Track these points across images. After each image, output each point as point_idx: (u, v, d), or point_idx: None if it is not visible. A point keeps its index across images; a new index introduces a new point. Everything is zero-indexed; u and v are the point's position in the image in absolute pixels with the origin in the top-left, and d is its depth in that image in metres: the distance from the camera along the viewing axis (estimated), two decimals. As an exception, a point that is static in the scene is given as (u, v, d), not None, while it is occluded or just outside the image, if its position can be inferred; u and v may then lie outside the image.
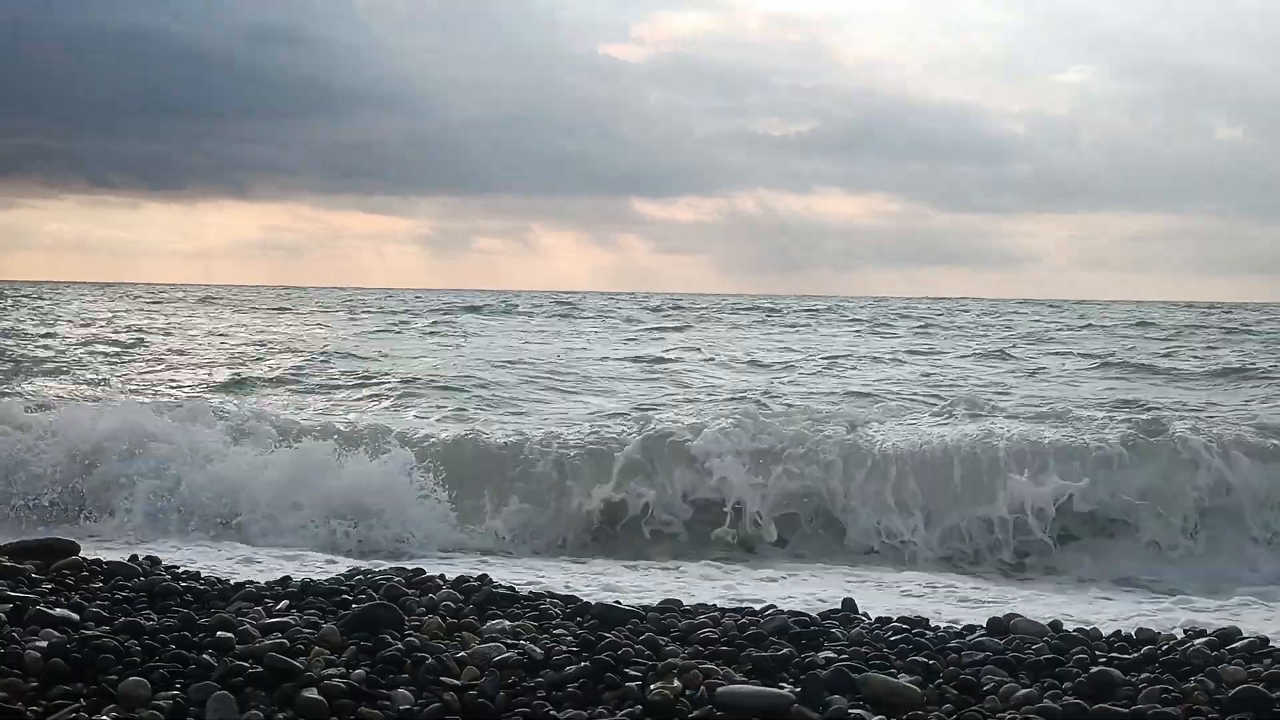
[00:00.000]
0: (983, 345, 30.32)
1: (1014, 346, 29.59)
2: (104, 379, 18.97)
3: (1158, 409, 15.12)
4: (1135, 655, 5.89)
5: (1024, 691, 5.15)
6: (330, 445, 11.02)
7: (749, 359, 25.25)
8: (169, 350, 25.32)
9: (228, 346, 26.66)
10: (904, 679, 5.28)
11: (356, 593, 6.66)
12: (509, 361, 22.47)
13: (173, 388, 18.06)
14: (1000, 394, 18.15)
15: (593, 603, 6.68)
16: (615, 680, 5.07)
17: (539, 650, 5.44)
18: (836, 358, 25.33)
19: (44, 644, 5.20)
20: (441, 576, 7.34)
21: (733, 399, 16.51)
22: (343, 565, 8.66)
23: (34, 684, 4.83)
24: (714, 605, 7.00)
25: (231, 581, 7.19)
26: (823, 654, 5.66)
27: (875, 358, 26.15)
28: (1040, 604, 8.16)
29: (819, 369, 22.89)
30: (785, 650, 5.65)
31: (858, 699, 5.01)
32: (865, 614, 6.88)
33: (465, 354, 25.43)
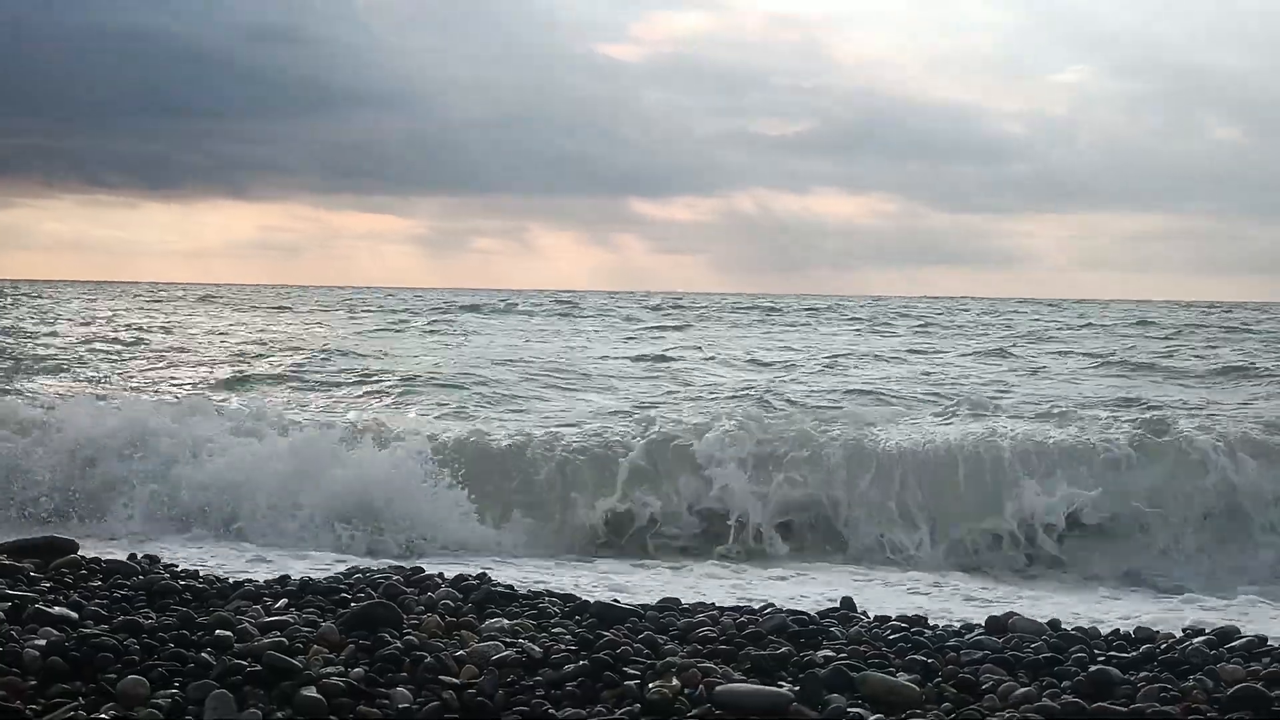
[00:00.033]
0: (983, 344, 30.32)
1: (1015, 345, 29.59)
2: (106, 377, 18.97)
3: (1161, 408, 15.06)
4: (1134, 654, 5.89)
5: (1022, 690, 5.15)
6: (337, 444, 10.99)
7: (750, 357, 25.24)
8: (170, 348, 25.31)
9: (228, 345, 26.66)
10: (902, 677, 5.28)
11: (355, 591, 6.67)
12: (510, 360, 22.47)
13: (175, 386, 18.05)
14: (1003, 393, 18.14)
15: (591, 601, 6.68)
16: (614, 679, 5.07)
17: (538, 649, 5.44)
18: (837, 357, 25.31)
19: (43, 642, 5.20)
20: (440, 575, 7.35)
21: (735, 397, 16.48)
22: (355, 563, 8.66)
23: (32, 682, 4.83)
24: (713, 604, 7.00)
25: (230, 580, 7.19)
26: (821, 653, 5.66)
27: (877, 355, 26.16)
28: (1048, 603, 8.16)
29: (820, 368, 22.87)
30: (784, 649, 5.65)
31: (856, 697, 5.01)
32: (864, 613, 6.89)
33: (466, 352, 25.45)
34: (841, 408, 16.48)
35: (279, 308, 51.67)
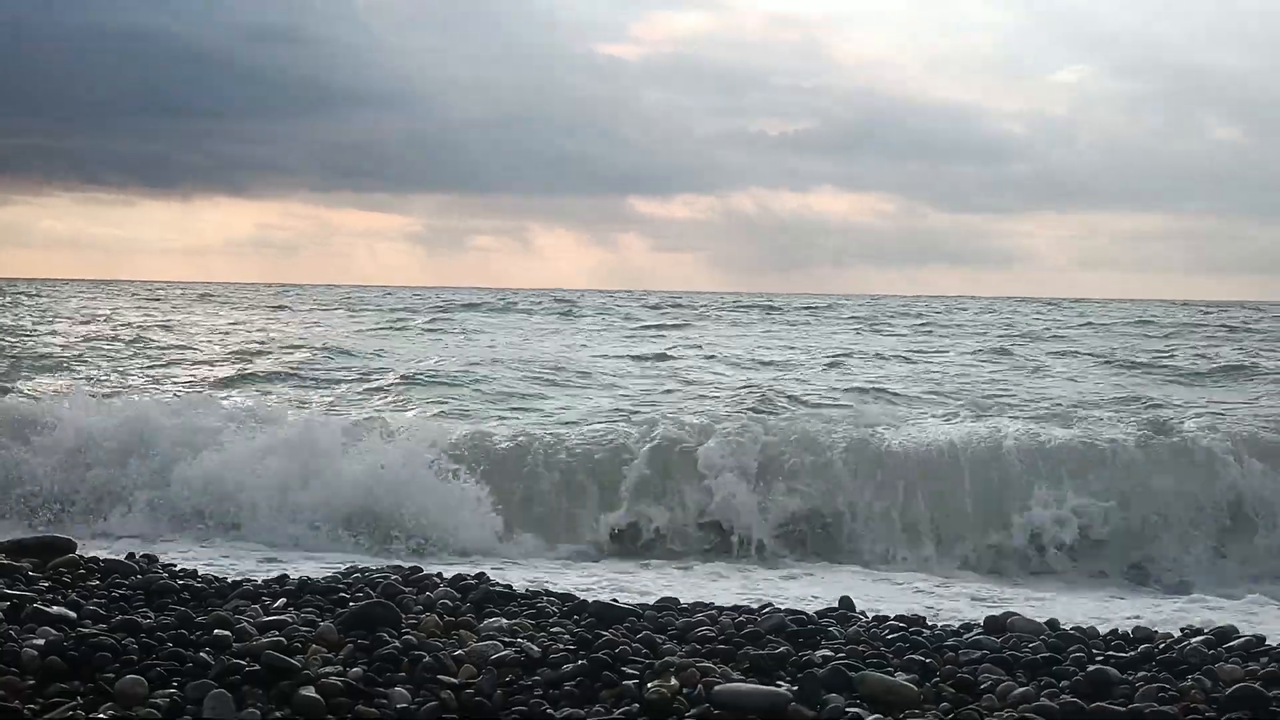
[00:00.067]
0: (984, 343, 30.35)
1: (1016, 345, 29.61)
2: (108, 376, 18.97)
3: (1167, 408, 15.05)
4: (1132, 654, 5.89)
5: (1021, 690, 5.15)
6: (350, 444, 10.93)
7: (751, 356, 25.26)
8: (172, 347, 25.31)
9: (229, 343, 26.65)
10: (901, 677, 5.28)
11: (354, 591, 6.66)
12: (511, 359, 22.50)
13: (176, 384, 18.04)
14: (1006, 392, 18.16)
15: (589, 601, 6.68)
16: (612, 678, 5.07)
17: (536, 648, 5.44)
18: (838, 356, 25.32)
19: (41, 642, 5.20)
20: (438, 575, 7.35)
21: (738, 396, 16.45)
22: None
23: (31, 682, 4.82)
24: (711, 603, 7.00)
25: (229, 579, 7.18)
26: (820, 652, 5.66)
27: (879, 355, 26.17)
28: (1059, 604, 8.14)
29: (822, 367, 22.87)
30: (782, 648, 5.65)
31: (855, 697, 5.01)
32: (862, 613, 6.88)
33: (467, 351, 25.45)
34: (847, 406, 16.50)
35: (277, 306, 51.64)
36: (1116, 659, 5.76)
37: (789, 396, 16.69)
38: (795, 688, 5.05)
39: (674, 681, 5.03)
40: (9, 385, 16.06)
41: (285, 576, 7.34)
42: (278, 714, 4.64)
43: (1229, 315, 51.49)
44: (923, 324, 41.68)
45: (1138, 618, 7.61)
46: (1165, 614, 7.81)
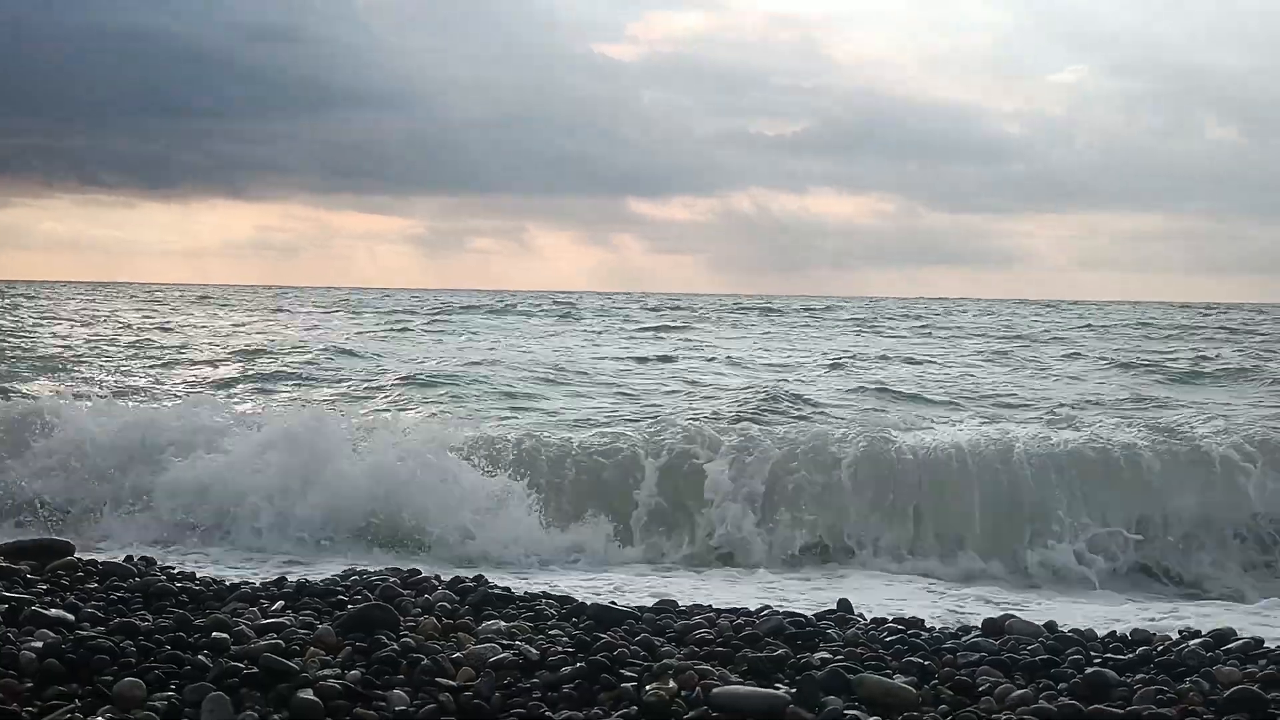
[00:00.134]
0: (985, 345, 30.39)
1: (1017, 347, 29.63)
2: (110, 378, 18.96)
3: (1179, 412, 14.94)
4: (1130, 656, 5.89)
5: (1019, 692, 5.15)
6: (358, 447, 10.82)
7: (754, 358, 25.28)
8: (174, 348, 25.31)
9: (231, 345, 26.66)
10: (899, 680, 5.28)
11: (352, 593, 6.67)
12: (517, 361, 22.53)
13: (181, 385, 18.03)
14: (1013, 395, 18.12)
15: (588, 603, 6.68)
16: (611, 681, 5.07)
17: (534, 651, 5.43)
18: (841, 358, 25.33)
19: (39, 644, 5.20)
20: (437, 577, 7.35)
21: (742, 398, 16.41)
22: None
23: (29, 684, 4.83)
24: (709, 606, 7.00)
25: (227, 582, 7.18)
26: (818, 655, 5.66)
27: (883, 356, 26.18)
28: (1072, 608, 8.11)
29: (824, 369, 22.87)
30: (781, 651, 5.65)
31: (853, 700, 5.01)
32: (860, 614, 6.88)
33: (470, 353, 25.46)
34: (852, 405, 16.51)
35: (277, 308, 51.68)
36: (1115, 661, 5.76)
37: (794, 396, 16.68)
38: (794, 690, 5.05)
39: (672, 684, 5.03)
40: (9, 386, 16.06)
41: (284, 579, 7.34)
42: (276, 717, 4.64)
43: (1229, 317, 51.51)
44: (922, 326, 41.71)
45: (1152, 620, 7.59)
46: (1185, 619, 7.73)
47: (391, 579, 7.09)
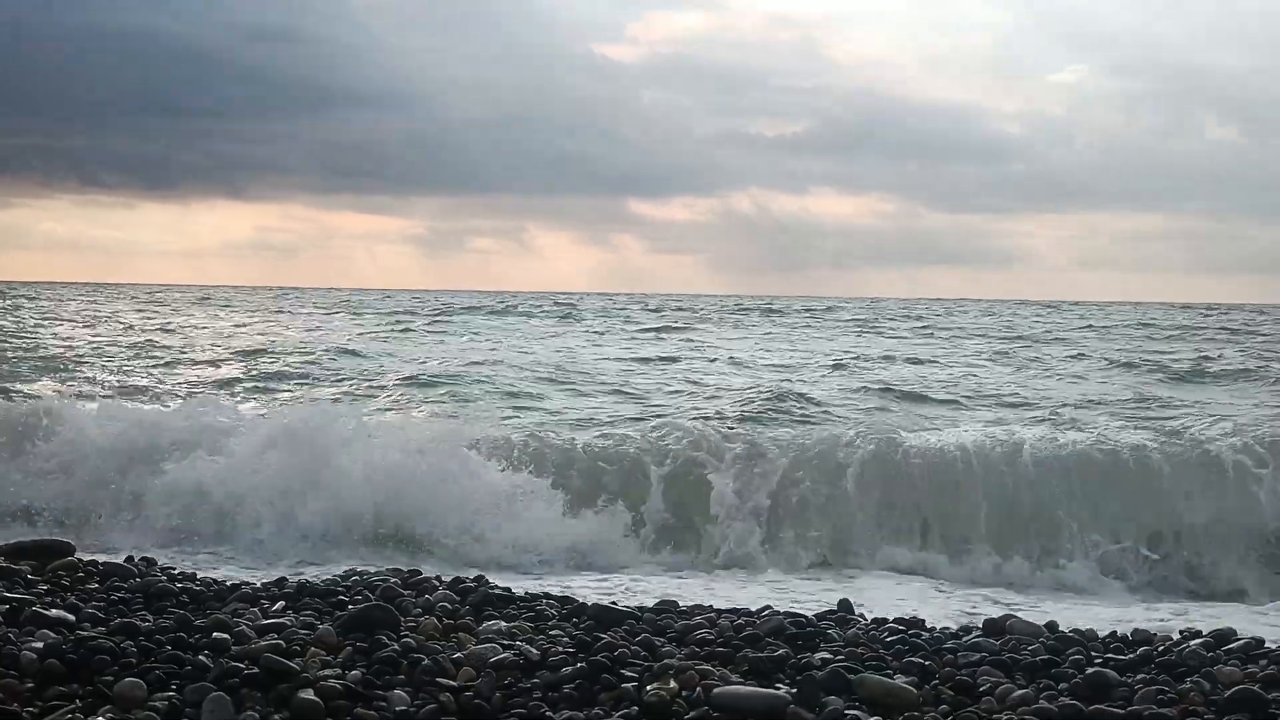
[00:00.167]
0: (989, 345, 30.40)
1: (1023, 347, 29.63)
2: (113, 378, 18.97)
3: (1187, 414, 14.83)
4: (1131, 656, 5.89)
5: (1020, 692, 5.15)
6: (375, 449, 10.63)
7: (756, 359, 25.29)
8: (177, 349, 25.33)
9: (233, 345, 26.67)
10: (900, 680, 5.28)
11: (353, 594, 6.67)
12: (523, 362, 22.54)
13: (184, 386, 18.03)
14: (1015, 395, 18.10)
15: (588, 604, 6.68)
16: (611, 681, 5.07)
17: (535, 651, 5.43)
18: (843, 358, 25.33)
19: (40, 645, 5.20)
20: (438, 577, 7.35)
21: (748, 398, 16.40)
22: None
23: (30, 685, 4.83)
24: (710, 606, 7.00)
25: (228, 583, 7.18)
26: (819, 655, 5.66)
27: (886, 356, 26.18)
28: (1086, 611, 8.06)
29: (827, 369, 22.87)
30: (781, 651, 5.66)
31: (854, 700, 5.01)
32: (861, 615, 6.88)
33: (473, 353, 25.47)
34: (858, 406, 16.47)
35: (278, 309, 51.72)
36: (1115, 661, 5.76)
37: (799, 395, 16.68)
38: (794, 690, 5.05)
39: (673, 684, 5.03)
40: (11, 387, 16.07)
41: (284, 579, 7.34)
42: (276, 717, 4.65)
43: (1229, 317, 51.51)
44: (923, 326, 41.72)
45: (1162, 621, 7.56)
46: (1193, 621, 7.70)
47: (392, 579, 7.09)
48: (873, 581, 9.16)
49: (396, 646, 5.44)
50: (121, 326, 34.04)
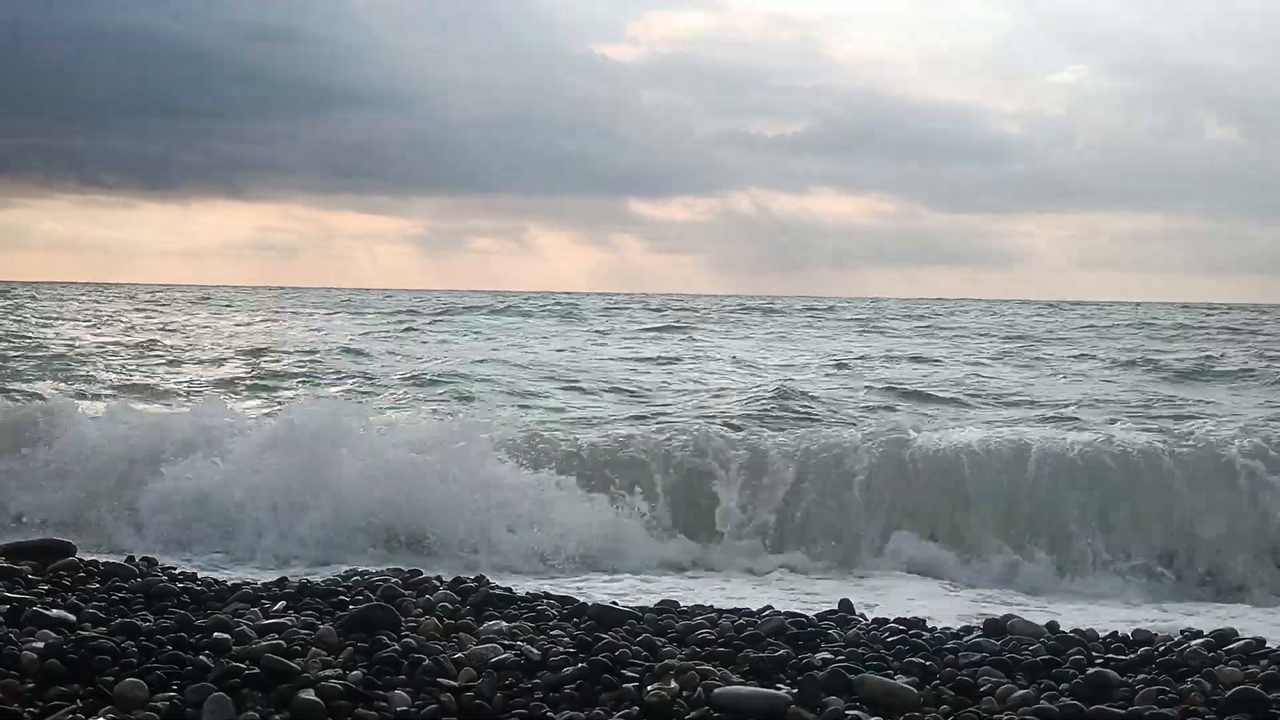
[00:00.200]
0: (991, 345, 30.39)
1: (1025, 347, 29.61)
2: (116, 377, 18.98)
3: (1193, 415, 14.81)
4: (1132, 656, 5.88)
5: (1021, 693, 5.15)
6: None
7: (759, 359, 25.29)
8: (180, 350, 25.32)
9: (236, 345, 26.67)
10: (901, 680, 5.27)
11: (353, 594, 6.67)
12: (528, 362, 22.55)
13: (190, 387, 18.01)
14: (1020, 395, 18.07)
15: (589, 604, 6.68)
16: (612, 681, 5.07)
17: (536, 651, 5.43)
18: (846, 358, 25.33)
19: (40, 645, 5.20)
20: (438, 577, 7.35)
21: (754, 399, 16.38)
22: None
23: (30, 685, 4.83)
24: (711, 606, 7.00)
25: (228, 583, 7.18)
26: (820, 655, 5.66)
27: (889, 356, 26.17)
28: (1096, 613, 8.04)
29: (831, 368, 22.87)
30: (782, 651, 5.66)
31: (855, 700, 5.01)
32: (862, 615, 6.88)
33: (475, 354, 25.47)
34: (862, 404, 16.46)
35: (279, 309, 51.74)
36: (1116, 661, 5.76)
37: (803, 394, 16.67)
38: (795, 690, 5.05)
39: (674, 684, 5.04)
40: (13, 387, 16.07)
41: (285, 579, 7.34)
42: (277, 717, 4.65)
43: (1230, 318, 51.50)
44: (925, 326, 41.72)
45: (1169, 622, 7.55)
46: (1209, 623, 7.67)
47: (393, 579, 7.10)
48: (881, 583, 9.16)
49: (397, 647, 5.44)
50: (124, 326, 34.05)
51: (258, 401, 15.76)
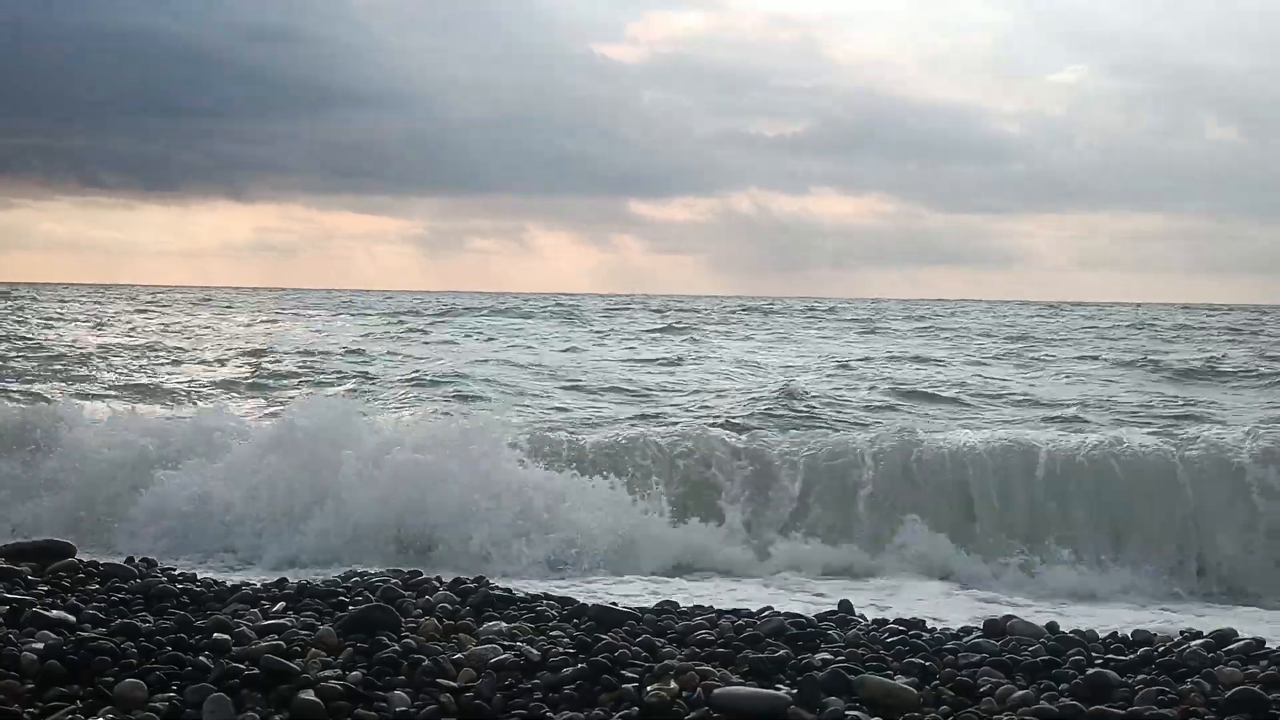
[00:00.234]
0: (994, 345, 30.38)
1: (1027, 347, 29.61)
2: (118, 378, 18.98)
3: (1199, 415, 14.80)
4: (1132, 657, 5.88)
5: (1021, 693, 5.15)
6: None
7: (762, 360, 25.30)
8: (182, 351, 25.33)
9: (238, 346, 26.68)
10: (900, 680, 5.27)
11: (353, 594, 6.66)
12: (531, 364, 22.54)
13: (191, 388, 18.01)
14: (1025, 396, 18.06)
15: (589, 605, 6.67)
16: (612, 682, 5.07)
17: (536, 652, 5.43)
18: (849, 359, 25.33)
19: (40, 646, 5.20)
20: (438, 578, 7.35)
21: (761, 400, 16.36)
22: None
23: (30, 686, 4.83)
24: (710, 606, 7.00)
25: (228, 583, 7.18)
26: (819, 655, 5.66)
27: (892, 357, 26.17)
28: (1109, 614, 8.06)
29: (834, 369, 22.87)
30: (782, 652, 5.65)
31: (854, 700, 5.01)
32: (861, 615, 6.88)
33: (478, 354, 25.48)
34: (866, 405, 16.45)
35: (279, 310, 51.75)
36: (1116, 662, 5.75)
37: (807, 394, 16.67)
38: (795, 691, 5.05)
39: (673, 685, 5.03)
40: (15, 388, 16.08)
41: (284, 580, 7.34)
42: (277, 717, 4.65)
43: (1231, 318, 51.49)
44: (926, 326, 41.72)
45: (1172, 624, 7.54)
46: (1217, 624, 7.63)
47: (392, 580, 7.09)
48: (888, 583, 9.18)
49: (397, 647, 5.44)
50: (125, 327, 34.06)
51: (261, 401, 15.76)
